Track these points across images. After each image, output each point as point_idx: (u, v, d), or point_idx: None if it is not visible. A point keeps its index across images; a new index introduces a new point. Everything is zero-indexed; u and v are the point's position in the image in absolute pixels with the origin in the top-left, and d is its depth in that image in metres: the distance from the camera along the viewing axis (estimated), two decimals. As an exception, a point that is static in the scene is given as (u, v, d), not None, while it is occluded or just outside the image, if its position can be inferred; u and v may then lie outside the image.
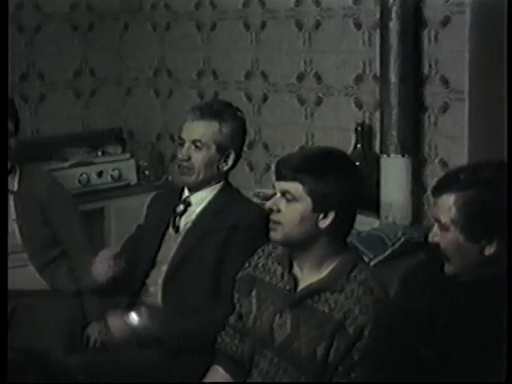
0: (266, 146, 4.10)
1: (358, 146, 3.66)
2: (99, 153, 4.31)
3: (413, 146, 3.47)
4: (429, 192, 3.40)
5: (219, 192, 2.83)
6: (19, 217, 3.26)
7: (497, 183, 1.91)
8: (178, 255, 2.78)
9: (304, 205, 2.25)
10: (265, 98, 4.06)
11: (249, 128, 4.02)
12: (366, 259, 3.20)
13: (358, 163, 3.61)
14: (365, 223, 3.44)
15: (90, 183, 4.15)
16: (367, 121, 3.69)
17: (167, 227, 2.84)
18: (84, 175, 4.11)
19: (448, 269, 1.99)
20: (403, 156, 3.44)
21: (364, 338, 2.15)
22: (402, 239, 3.34)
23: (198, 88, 4.33)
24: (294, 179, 2.25)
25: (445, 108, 3.45)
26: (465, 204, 1.92)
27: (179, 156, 2.80)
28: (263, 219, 2.45)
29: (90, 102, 4.58)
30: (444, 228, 1.96)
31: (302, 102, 3.92)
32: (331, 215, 2.25)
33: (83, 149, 4.31)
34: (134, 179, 4.31)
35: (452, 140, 3.44)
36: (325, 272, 2.28)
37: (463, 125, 3.36)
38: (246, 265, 2.45)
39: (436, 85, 3.46)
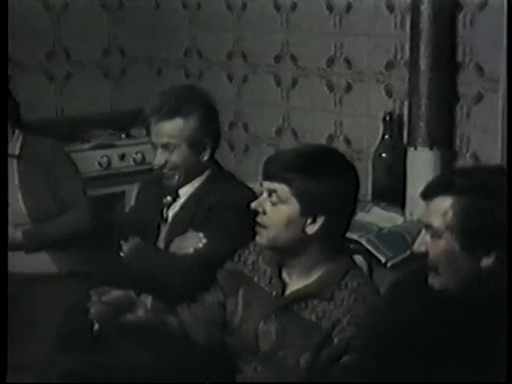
0: (294, 133, 3.92)
1: (386, 136, 3.45)
2: (123, 135, 4.18)
3: (442, 139, 3.25)
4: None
5: (205, 181, 2.70)
6: (22, 182, 3.15)
7: (497, 190, 1.73)
8: (167, 244, 2.67)
9: (291, 208, 2.08)
10: (294, 83, 3.88)
11: (277, 114, 3.95)
12: (384, 259, 3.02)
13: (384, 154, 3.44)
14: (388, 220, 3.25)
15: (111, 166, 4.02)
16: (397, 110, 3.48)
17: (160, 218, 2.73)
18: (104, 158, 3.98)
19: (434, 281, 1.80)
20: (431, 149, 3.22)
21: (351, 351, 1.97)
22: (427, 238, 3.13)
23: (227, 70, 4.17)
24: (280, 180, 2.08)
25: (479, 98, 3.22)
26: (464, 209, 1.74)
27: (154, 162, 2.67)
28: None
29: (119, 82, 4.46)
30: (436, 235, 1.77)
31: (331, 88, 3.73)
32: (320, 221, 2.07)
33: (108, 130, 4.20)
34: (158, 163, 4.16)
35: (485, 133, 3.21)
36: (313, 278, 2.11)
37: (497, 116, 3.12)
38: (236, 259, 2.28)
39: (470, 73, 3.23)
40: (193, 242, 2.55)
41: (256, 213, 2.13)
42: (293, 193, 2.07)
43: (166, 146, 2.63)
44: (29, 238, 3.09)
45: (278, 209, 2.09)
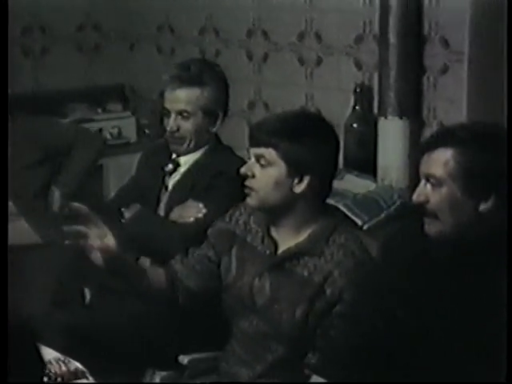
0: (266, 106, 4.07)
1: (357, 107, 3.61)
2: (99, 110, 4.28)
3: (411, 108, 3.43)
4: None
5: (207, 151, 2.82)
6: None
7: (495, 141, 1.89)
8: (167, 212, 2.77)
9: (278, 169, 2.22)
10: (265, 57, 4.02)
11: (249, 87, 4.08)
12: (361, 222, 3.19)
13: (355, 125, 3.61)
14: (361, 186, 3.42)
15: (89, 140, 4.12)
16: (367, 82, 3.64)
17: (161, 186, 2.83)
18: (82, 132, 4.08)
19: (431, 228, 1.95)
20: (401, 118, 3.40)
21: (343, 301, 2.15)
22: (398, 202, 3.32)
23: (199, 46, 4.29)
24: (267, 144, 2.22)
25: (444, 70, 3.40)
26: (464, 158, 1.89)
27: (168, 128, 2.77)
28: None
29: (94, 57, 4.56)
30: (438, 183, 1.92)
31: (302, 61, 3.88)
32: (306, 180, 2.22)
33: (84, 105, 4.30)
34: (134, 137, 4.28)
35: (451, 102, 3.39)
36: (303, 235, 2.26)
37: (463, 87, 3.30)
38: (227, 219, 2.41)
39: (435, 46, 3.40)
40: (193, 212, 2.66)
41: (245, 177, 2.28)
42: (279, 156, 2.21)
43: (181, 113, 2.75)
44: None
45: (266, 171, 2.23)
